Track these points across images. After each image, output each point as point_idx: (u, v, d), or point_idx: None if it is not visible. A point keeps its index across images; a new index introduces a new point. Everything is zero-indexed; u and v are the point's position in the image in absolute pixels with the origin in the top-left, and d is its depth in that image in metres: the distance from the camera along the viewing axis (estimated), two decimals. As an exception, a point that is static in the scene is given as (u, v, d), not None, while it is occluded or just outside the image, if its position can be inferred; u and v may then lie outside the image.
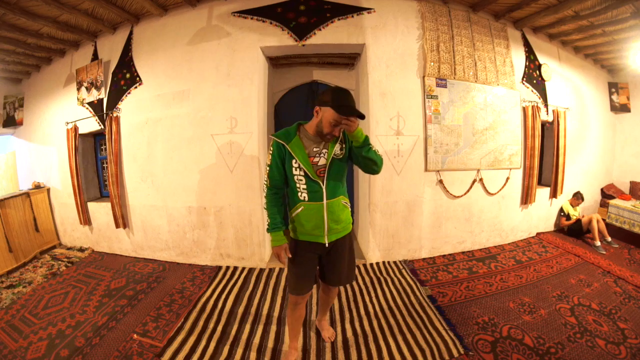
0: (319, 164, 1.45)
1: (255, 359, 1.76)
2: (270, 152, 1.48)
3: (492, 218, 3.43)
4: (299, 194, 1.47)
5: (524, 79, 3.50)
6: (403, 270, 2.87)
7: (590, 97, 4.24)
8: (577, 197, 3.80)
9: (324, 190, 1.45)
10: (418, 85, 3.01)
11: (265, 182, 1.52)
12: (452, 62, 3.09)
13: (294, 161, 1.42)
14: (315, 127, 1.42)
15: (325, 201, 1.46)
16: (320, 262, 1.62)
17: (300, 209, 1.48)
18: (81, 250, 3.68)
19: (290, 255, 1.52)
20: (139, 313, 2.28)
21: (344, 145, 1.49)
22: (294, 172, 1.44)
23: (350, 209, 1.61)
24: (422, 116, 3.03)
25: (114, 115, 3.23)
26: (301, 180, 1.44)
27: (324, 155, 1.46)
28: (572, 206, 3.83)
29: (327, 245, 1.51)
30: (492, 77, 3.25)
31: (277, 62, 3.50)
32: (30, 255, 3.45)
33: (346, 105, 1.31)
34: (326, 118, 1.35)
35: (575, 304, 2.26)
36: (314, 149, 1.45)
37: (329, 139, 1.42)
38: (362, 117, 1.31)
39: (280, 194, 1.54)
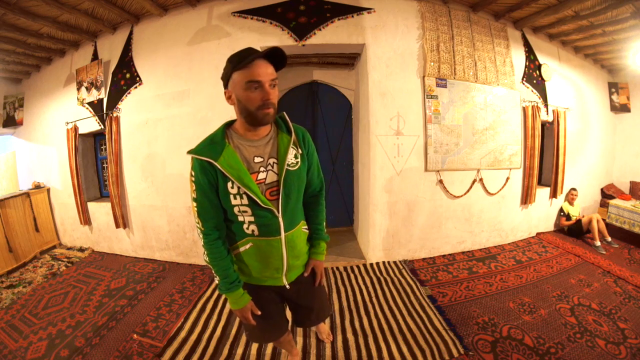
0: (267, 181, 1.00)
1: (256, 359, 1.76)
2: (193, 178, 0.99)
3: (492, 218, 3.43)
4: (245, 226, 1.03)
5: (524, 79, 3.49)
6: (403, 270, 2.87)
7: (590, 97, 4.23)
8: (571, 192, 3.80)
9: (281, 219, 1.02)
10: (418, 85, 3.01)
11: (198, 225, 1.03)
12: (452, 62, 3.09)
13: (230, 185, 0.96)
14: (241, 117, 0.97)
15: (283, 234, 1.04)
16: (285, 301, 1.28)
17: (247, 246, 1.06)
18: (81, 250, 3.68)
19: (259, 312, 1.11)
20: (139, 313, 2.28)
21: (299, 152, 1.06)
22: (233, 201, 0.98)
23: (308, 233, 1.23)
24: (422, 116, 3.03)
25: (114, 115, 3.23)
26: (246, 211, 0.99)
27: (273, 166, 1.01)
28: (570, 202, 3.83)
29: (287, 287, 1.15)
30: (492, 77, 3.25)
31: (277, 62, 3.50)
32: (30, 255, 3.45)
33: (245, 55, 0.90)
34: (238, 86, 0.91)
35: (575, 304, 2.26)
36: (256, 160, 1.00)
37: (265, 116, 0.93)
38: (275, 53, 0.91)
39: (224, 236, 1.08)
